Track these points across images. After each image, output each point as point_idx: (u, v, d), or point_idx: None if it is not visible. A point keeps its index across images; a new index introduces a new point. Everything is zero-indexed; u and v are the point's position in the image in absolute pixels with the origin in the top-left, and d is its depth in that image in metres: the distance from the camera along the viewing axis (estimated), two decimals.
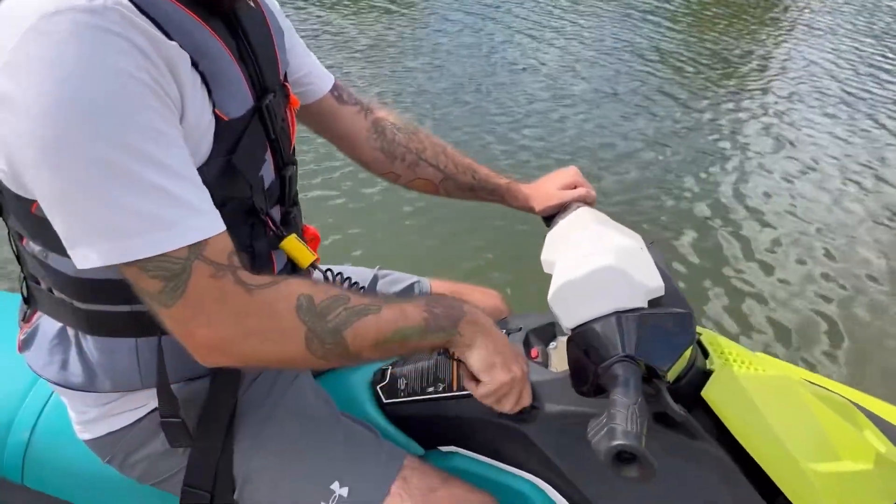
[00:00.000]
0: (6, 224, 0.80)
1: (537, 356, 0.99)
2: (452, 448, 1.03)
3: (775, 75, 5.09)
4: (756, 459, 0.83)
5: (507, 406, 0.87)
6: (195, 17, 0.72)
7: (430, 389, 1.00)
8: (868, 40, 5.99)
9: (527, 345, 1.02)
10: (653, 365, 0.78)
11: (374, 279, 1.26)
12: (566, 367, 0.89)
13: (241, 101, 0.78)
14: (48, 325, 0.85)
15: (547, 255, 1.01)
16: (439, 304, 0.83)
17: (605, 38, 5.63)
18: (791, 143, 3.99)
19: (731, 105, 4.50)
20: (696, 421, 0.83)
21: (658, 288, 0.85)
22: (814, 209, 3.34)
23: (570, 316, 0.86)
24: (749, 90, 4.78)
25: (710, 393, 0.85)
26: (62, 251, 0.69)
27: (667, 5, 6.67)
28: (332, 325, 0.73)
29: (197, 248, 0.66)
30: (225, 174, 0.77)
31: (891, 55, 5.67)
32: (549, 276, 0.95)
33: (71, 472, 1.00)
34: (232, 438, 0.90)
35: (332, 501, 0.88)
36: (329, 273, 1.01)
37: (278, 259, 0.91)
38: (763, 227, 3.18)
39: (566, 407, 0.89)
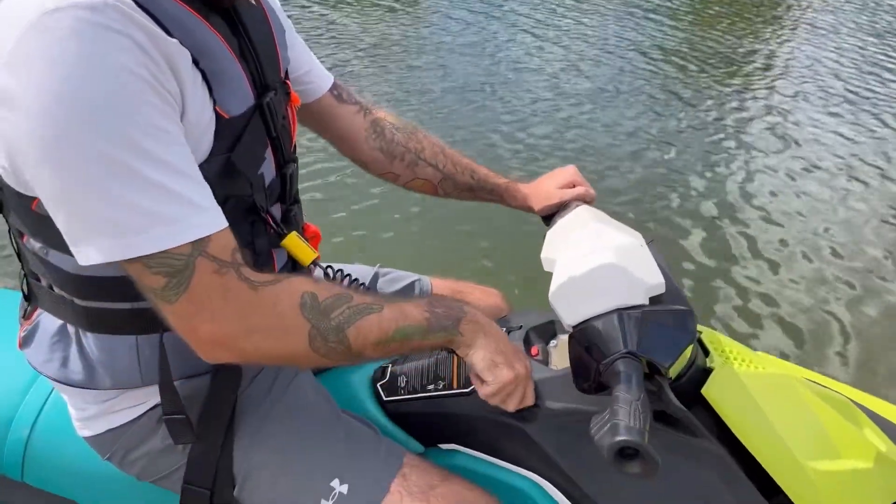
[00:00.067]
0: (6, 221, 0.80)
1: (538, 354, 0.99)
2: (452, 446, 1.04)
3: (779, 74, 5.09)
4: (756, 457, 0.83)
5: (512, 405, 0.87)
6: (195, 14, 0.72)
7: (431, 387, 1.01)
8: (870, 39, 5.99)
9: (527, 343, 1.02)
10: (655, 361, 0.78)
11: (375, 277, 1.26)
12: (567, 364, 0.89)
13: (241, 98, 0.78)
14: (48, 322, 0.85)
15: (547, 254, 1.01)
16: (440, 303, 0.84)
17: (609, 37, 5.62)
18: (796, 142, 3.98)
19: (735, 104, 4.50)
20: (697, 419, 0.83)
21: (658, 285, 0.86)
22: (820, 208, 3.34)
23: (571, 313, 0.86)
24: (753, 89, 4.78)
25: (710, 391, 0.85)
26: (63, 248, 0.69)
27: (668, 3, 6.66)
28: (335, 323, 0.74)
29: (200, 245, 0.67)
30: (225, 172, 0.77)
31: (893, 54, 5.65)
32: (549, 275, 0.95)
33: (71, 469, 1.00)
34: (232, 435, 0.90)
35: (332, 498, 0.88)
36: (330, 270, 1.01)
37: (279, 257, 0.92)
38: (769, 226, 3.17)
39: (567, 404, 0.89)
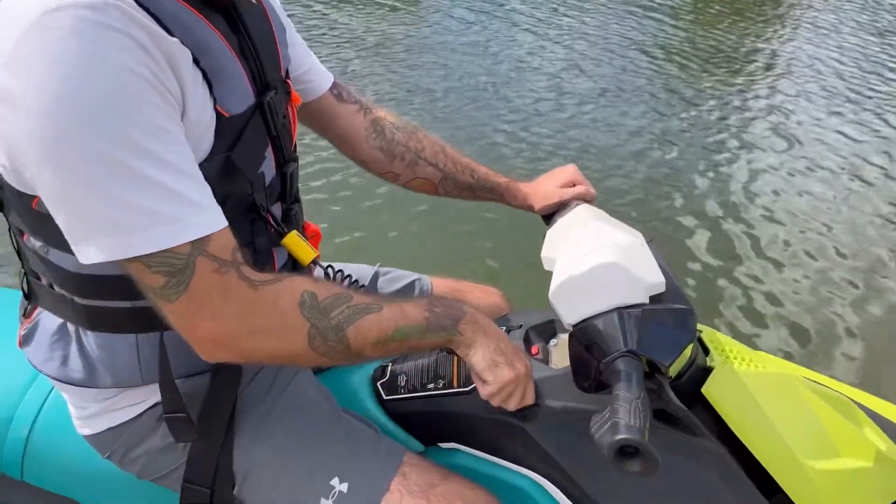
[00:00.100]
0: (7, 220, 0.80)
1: (538, 353, 0.99)
2: (452, 445, 1.04)
3: (782, 73, 5.08)
4: (756, 456, 0.83)
5: (513, 404, 0.88)
6: (196, 12, 0.72)
7: (431, 386, 1.01)
8: (871, 38, 5.98)
9: (527, 342, 1.02)
10: (655, 360, 0.78)
11: (375, 276, 1.26)
12: (567, 363, 0.89)
13: (242, 97, 0.78)
14: (49, 321, 0.85)
15: (547, 253, 1.01)
16: (439, 303, 0.84)
17: (610, 36, 5.62)
18: (799, 142, 3.97)
19: (738, 103, 4.49)
20: (697, 418, 0.83)
21: (659, 284, 0.86)
22: (823, 207, 3.34)
23: (571, 312, 0.86)
24: (755, 88, 4.77)
25: (710, 390, 0.85)
26: (63, 247, 0.69)
27: (669, 2, 6.66)
28: (334, 323, 0.74)
29: (200, 244, 0.67)
30: (226, 171, 0.77)
31: (895, 53, 5.65)
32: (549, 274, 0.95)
33: (70, 467, 1.00)
34: (232, 434, 0.90)
35: (332, 497, 0.88)
36: (330, 270, 1.01)
37: (279, 256, 0.92)
38: (773, 225, 3.17)
39: (567, 403, 0.90)
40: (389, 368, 1.07)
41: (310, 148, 3.23)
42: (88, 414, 0.90)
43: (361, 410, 1.04)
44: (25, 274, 0.87)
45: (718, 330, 1.00)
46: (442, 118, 4.01)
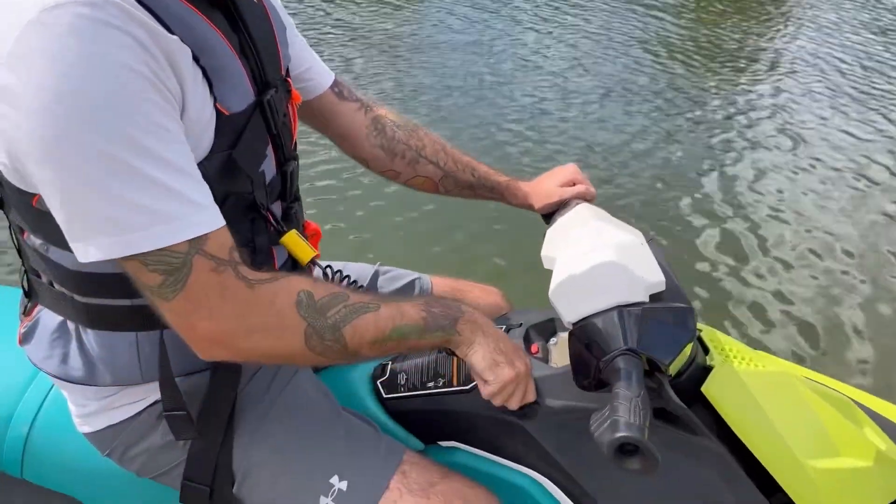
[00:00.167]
0: (7, 217, 0.80)
1: (537, 352, 0.99)
2: (452, 443, 1.04)
3: (786, 72, 5.07)
4: (756, 455, 0.83)
5: (515, 403, 0.88)
6: (196, 10, 0.72)
7: (431, 384, 1.01)
8: (873, 36, 5.98)
9: (527, 340, 1.02)
10: (655, 358, 0.78)
11: (375, 275, 1.26)
12: (567, 362, 0.89)
13: (242, 95, 0.78)
14: (49, 319, 0.85)
15: (547, 252, 1.01)
16: (437, 303, 0.84)
17: (613, 34, 5.61)
18: (804, 141, 3.96)
19: (742, 102, 4.48)
20: (696, 416, 0.83)
21: (659, 283, 0.86)
22: (829, 206, 3.33)
23: (571, 311, 0.86)
24: (760, 87, 4.76)
25: (710, 389, 0.85)
26: (63, 244, 0.69)
27: (671, 0, 6.66)
28: (331, 322, 0.74)
29: (197, 243, 0.67)
30: (226, 169, 0.77)
31: None
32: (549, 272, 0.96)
33: (70, 465, 1.00)
34: (232, 432, 0.90)
35: (332, 495, 0.88)
36: (329, 269, 1.01)
37: (279, 255, 0.92)
38: (779, 224, 3.16)
39: (567, 402, 0.90)
40: (389, 367, 1.07)
41: (317, 147, 3.23)
42: (88, 412, 0.90)
43: (361, 409, 1.04)
44: (25, 272, 0.87)
45: (725, 329, 1.00)
46: (446, 117, 4.01)
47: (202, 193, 0.69)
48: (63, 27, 0.59)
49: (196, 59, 0.70)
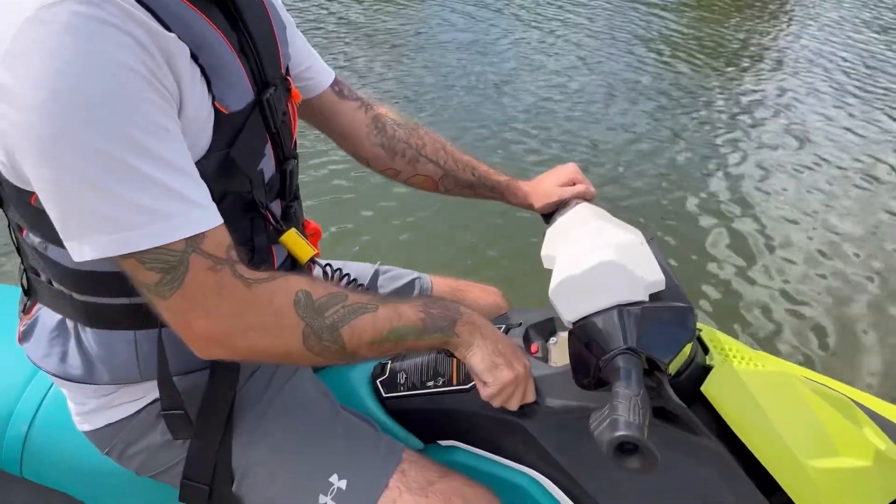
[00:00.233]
0: (6, 215, 0.81)
1: (537, 351, 0.99)
2: (452, 442, 1.04)
3: (790, 70, 5.06)
4: (755, 455, 0.82)
5: (515, 404, 0.88)
6: (194, 8, 0.72)
7: (430, 384, 1.01)
8: (875, 35, 5.96)
9: (527, 340, 1.02)
10: (654, 358, 0.78)
11: (375, 275, 1.26)
12: (566, 361, 0.89)
13: (241, 94, 0.78)
14: (48, 317, 0.86)
15: (547, 251, 1.01)
16: (436, 304, 0.84)
17: (616, 32, 5.61)
18: (809, 139, 3.95)
19: (746, 100, 4.47)
20: (696, 416, 0.83)
21: (658, 282, 0.86)
22: (835, 205, 3.32)
23: (571, 310, 0.86)
24: (764, 85, 4.75)
25: (709, 388, 0.85)
26: (61, 243, 0.69)
27: None
28: (329, 322, 0.74)
29: (194, 242, 0.67)
30: (224, 167, 0.77)
31: None
32: (549, 272, 0.95)
33: (70, 463, 1.00)
34: (231, 431, 0.90)
35: (331, 494, 0.88)
36: (328, 268, 1.01)
37: (278, 253, 0.92)
38: (786, 224, 3.15)
39: (566, 401, 0.89)
40: (389, 366, 1.07)
41: (326, 147, 3.22)
42: (87, 410, 0.90)
43: (361, 408, 1.04)
44: (25, 270, 0.87)
45: (733, 330, 1.00)
46: (452, 117, 4.01)
47: (200, 192, 0.69)
48: (60, 24, 0.59)
49: (194, 57, 0.70)
